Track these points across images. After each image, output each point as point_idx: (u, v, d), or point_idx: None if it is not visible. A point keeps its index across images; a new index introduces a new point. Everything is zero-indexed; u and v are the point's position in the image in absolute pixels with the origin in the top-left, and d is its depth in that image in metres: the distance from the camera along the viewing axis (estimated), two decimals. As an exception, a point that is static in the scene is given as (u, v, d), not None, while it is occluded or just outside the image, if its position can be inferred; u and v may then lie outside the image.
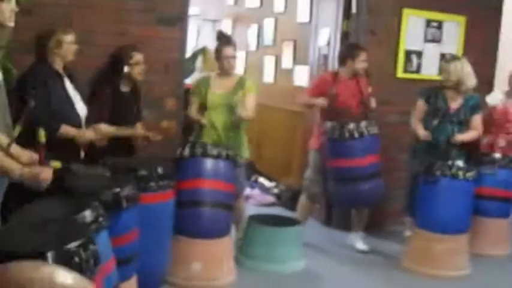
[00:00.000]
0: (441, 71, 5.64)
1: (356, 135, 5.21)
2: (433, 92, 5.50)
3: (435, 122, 5.38)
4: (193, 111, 5.21)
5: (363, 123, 5.26)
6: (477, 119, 5.46)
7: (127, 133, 4.67)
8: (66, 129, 4.01)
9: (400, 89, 6.22)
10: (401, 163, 6.03)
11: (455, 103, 5.42)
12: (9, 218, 2.99)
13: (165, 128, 4.95)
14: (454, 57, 5.55)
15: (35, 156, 3.19)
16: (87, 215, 2.94)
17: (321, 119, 5.52)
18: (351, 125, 5.23)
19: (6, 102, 3.48)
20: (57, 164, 3.43)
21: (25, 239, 2.56)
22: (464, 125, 5.41)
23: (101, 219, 3.02)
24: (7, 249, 2.10)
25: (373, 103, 5.52)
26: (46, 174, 2.81)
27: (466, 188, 5.17)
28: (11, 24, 3.20)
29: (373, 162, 5.35)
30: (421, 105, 5.52)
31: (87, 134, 4.14)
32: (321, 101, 5.42)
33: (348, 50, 5.61)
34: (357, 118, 5.33)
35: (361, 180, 5.29)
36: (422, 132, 5.40)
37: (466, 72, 5.36)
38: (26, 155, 3.19)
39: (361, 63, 5.46)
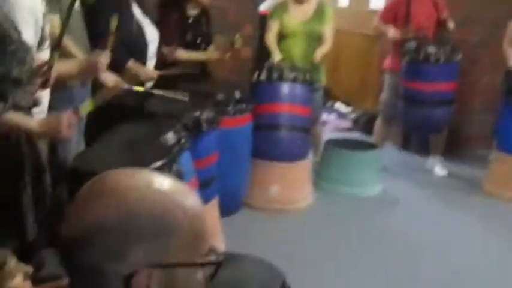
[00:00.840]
0: None
1: (434, 59, 5.11)
2: None
3: None
4: (270, 37, 5.05)
5: (444, 49, 5.13)
6: None
7: (202, 57, 4.66)
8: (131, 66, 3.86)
9: (482, 8, 5.94)
10: (483, 86, 5.86)
11: None
12: (95, 140, 3.10)
13: (238, 49, 4.89)
14: None
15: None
16: (170, 136, 3.03)
17: (398, 40, 5.38)
18: (431, 48, 5.11)
19: (84, 26, 3.55)
20: (140, 88, 3.50)
21: (111, 159, 2.67)
22: None
23: (183, 141, 3.11)
24: (93, 169, 2.20)
25: (451, 24, 5.33)
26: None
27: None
28: None
29: (448, 90, 5.27)
30: None
31: (150, 74, 3.99)
32: (392, 33, 5.28)
33: None
34: (433, 40, 5.18)
35: (432, 106, 5.24)
36: None
37: None
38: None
39: None
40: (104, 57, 2.78)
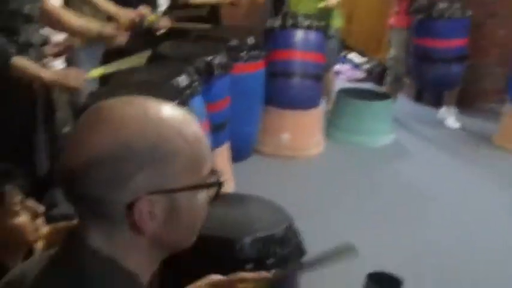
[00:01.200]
0: None
1: (446, 15, 5.09)
2: None
3: None
4: None
5: (455, 5, 5.09)
6: None
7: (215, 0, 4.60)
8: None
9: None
10: (499, 39, 5.80)
11: None
12: (108, 80, 3.12)
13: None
14: None
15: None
16: (182, 79, 3.05)
17: None
18: (442, 5, 5.08)
19: None
20: (153, 17, 3.49)
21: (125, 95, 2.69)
22: None
23: (195, 84, 3.13)
24: None
25: None
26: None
27: None
28: None
29: (460, 46, 5.25)
30: None
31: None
32: None
33: None
34: None
35: (445, 63, 5.21)
36: None
37: None
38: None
39: None
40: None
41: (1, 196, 1.72)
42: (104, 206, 0.97)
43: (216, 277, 1.42)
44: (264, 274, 1.44)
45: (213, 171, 1.04)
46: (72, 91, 2.62)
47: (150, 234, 0.99)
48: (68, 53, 3.26)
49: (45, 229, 1.80)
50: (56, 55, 2.71)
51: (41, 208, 1.79)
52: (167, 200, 0.98)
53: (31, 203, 1.78)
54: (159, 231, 0.99)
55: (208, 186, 1.03)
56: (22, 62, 2.30)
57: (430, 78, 5.44)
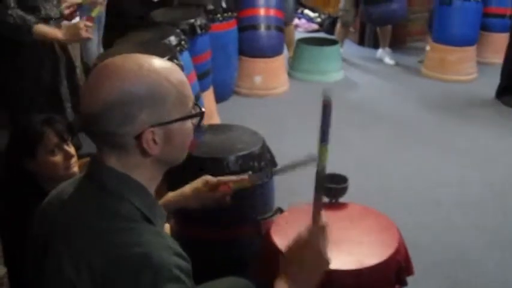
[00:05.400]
0: None
1: None
2: None
3: None
4: None
5: None
6: None
7: None
8: None
9: None
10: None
11: None
12: (112, 44, 3.12)
13: None
14: None
15: None
16: (172, 39, 3.06)
17: None
18: None
19: None
20: None
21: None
22: None
23: (182, 42, 3.13)
24: None
25: None
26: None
27: (475, 8, 4.98)
28: None
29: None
30: None
31: None
32: None
33: None
34: None
35: (388, 2, 5.17)
36: None
37: None
38: None
39: None
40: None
41: (41, 137, 1.75)
42: (116, 138, 1.03)
43: (208, 177, 1.52)
44: (243, 177, 1.56)
45: (195, 105, 1.10)
46: (85, 40, 2.57)
47: (154, 155, 1.06)
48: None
49: (75, 168, 1.81)
50: (70, 17, 2.64)
51: (72, 151, 1.81)
52: (164, 129, 1.05)
53: (66, 146, 1.79)
54: (160, 152, 1.06)
55: (193, 116, 1.10)
56: (41, 28, 2.27)
57: (373, 16, 5.36)
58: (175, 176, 1.41)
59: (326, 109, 1.15)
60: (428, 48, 5.42)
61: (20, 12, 2.20)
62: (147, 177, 1.09)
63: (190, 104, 1.09)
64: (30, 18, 2.21)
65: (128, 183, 1.06)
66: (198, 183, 1.53)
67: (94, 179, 1.08)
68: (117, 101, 1.00)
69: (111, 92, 1.00)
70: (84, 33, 2.34)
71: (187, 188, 1.53)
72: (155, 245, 0.99)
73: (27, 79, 2.36)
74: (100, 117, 1.01)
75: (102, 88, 1.01)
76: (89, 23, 2.38)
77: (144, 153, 1.05)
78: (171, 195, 1.50)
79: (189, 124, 1.10)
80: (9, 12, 2.18)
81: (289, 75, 5.06)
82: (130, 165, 1.06)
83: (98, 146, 1.08)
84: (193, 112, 1.10)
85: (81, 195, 1.09)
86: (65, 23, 2.56)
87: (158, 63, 1.06)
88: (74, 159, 1.81)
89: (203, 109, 1.12)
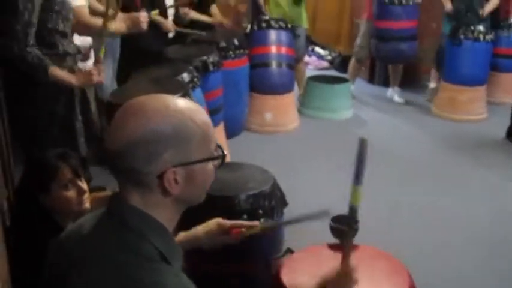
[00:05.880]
0: None
1: (402, 1, 5.13)
2: None
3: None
4: None
5: None
6: None
7: (207, 20, 4.62)
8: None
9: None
10: (432, 30, 5.85)
11: None
12: (126, 80, 3.16)
13: (235, 9, 4.88)
14: None
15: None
16: (185, 76, 3.09)
17: None
18: None
19: None
20: (155, 12, 3.53)
21: (139, 94, 2.72)
22: None
23: (195, 79, 3.16)
24: (127, 101, 2.26)
25: None
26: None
27: (485, 49, 5.03)
28: None
29: (412, 27, 5.29)
30: None
31: (170, 26, 3.94)
32: None
33: None
34: None
35: (401, 40, 5.25)
36: (448, 6, 5.22)
37: None
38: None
39: None
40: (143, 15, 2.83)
41: (56, 172, 1.76)
42: (139, 176, 1.04)
43: (221, 220, 1.52)
44: (255, 223, 1.58)
45: (218, 146, 1.12)
46: (99, 84, 2.63)
47: (174, 195, 1.06)
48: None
49: (87, 204, 1.82)
50: (86, 58, 2.71)
51: (85, 187, 1.82)
52: (186, 170, 1.05)
53: (80, 181, 1.81)
54: (181, 192, 1.06)
55: (215, 158, 1.11)
56: (57, 71, 2.31)
57: (384, 53, 5.43)
58: (185, 213, 1.41)
59: (362, 152, 1.17)
60: (431, 85, 5.48)
61: (38, 52, 2.24)
62: (167, 216, 1.09)
63: (213, 145, 1.10)
64: (46, 59, 2.25)
65: (149, 222, 1.06)
66: (210, 225, 1.53)
67: (115, 216, 1.08)
68: (142, 139, 1.01)
69: (136, 129, 1.02)
70: (96, 78, 2.39)
71: (199, 230, 1.53)
72: (172, 286, 1.00)
73: (42, 113, 2.39)
74: (125, 154, 1.02)
75: (128, 125, 1.03)
76: (100, 67, 2.42)
77: (165, 192, 1.06)
78: (183, 235, 1.50)
79: (211, 166, 1.11)
80: (28, 50, 2.22)
81: (300, 112, 5.09)
82: (151, 204, 1.07)
83: (120, 183, 1.09)
84: (216, 154, 1.11)
85: (101, 230, 1.09)
86: (79, 65, 2.61)
87: (183, 103, 1.08)
88: (87, 195, 1.82)
89: (225, 152, 1.13)
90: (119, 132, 1.04)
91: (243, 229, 1.54)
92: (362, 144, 1.16)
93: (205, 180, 1.12)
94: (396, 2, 5.13)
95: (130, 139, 1.02)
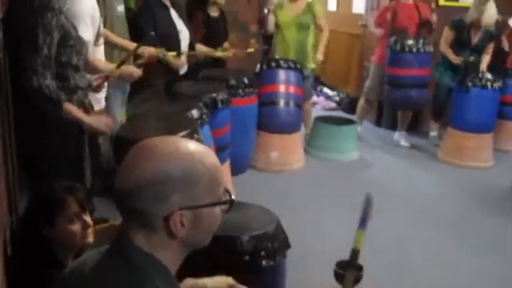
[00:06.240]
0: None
1: (413, 50, 5.19)
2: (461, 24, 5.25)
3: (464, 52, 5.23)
4: (271, 25, 5.27)
5: (421, 41, 5.20)
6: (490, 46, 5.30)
7: (219, 55, 4.67)
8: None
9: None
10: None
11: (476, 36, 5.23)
12: (134, 115, 3.18)
13: (249, 50, 4.99)
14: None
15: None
16: (194, 113, 3.10)
17: (383, 37, 5.44)
18: (410, 41, 5.20)
19: (127, 27, 3.60)
20: (173, 53, 3.62)
21: (148, 129, 2.72)
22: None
23: (204, 116, 3.18)
24: (134, 137, 2.26)
25: (434, 25, 5.39)
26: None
27: (493, 96, 5.05)
28: None
29: (424, 75, 5.34)
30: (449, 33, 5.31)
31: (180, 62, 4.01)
32: (379, 32, 5.46)
33: None
34: (413, 35, 5.28)
35: (412, 87, 5.29)
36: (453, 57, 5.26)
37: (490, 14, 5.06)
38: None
39: None
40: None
41: (63, 205, 1.75)
42: (146, 216, 1.04)
43: (232, 281, 1.48)
44: None
45: (226, 191, 1.11)
46: (101, 135, 2.65)
47: (180, 238, 1.06)
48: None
49: (91, 238, 1.81)
50: (97, 89, 2.74)
51: (90, 221, 1.81)
52: (193, 213, 1.05)
53: (85, 215, 1.80)
54: (186, 235, 1.06)
55: (223, 203, 1.10)
56: (70, 107, 2.34)
57: (400, 100, 5.46)
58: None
59: (367, 208, 1.18)
60: (432, 134, 5.54)
61: (55, 86, 2.26)
62: (171, 259, 1.09)
63: (221, 189, 1.10)
64: (62, 94, 2.28)
65: (153, 263, 1.06)
66: (220, 282, 1.49)
67: (119, 256, 1.08)
68: (151, 180, 1.02)
69: (146, 170, 1.03)
70: (104, 129, 2.45)
71: (208, 283, 1.49)
72: None
73: (52, 146, 2.39)
74: (133, 194, 1.03)
75: (138, 165, 1.04)
76: (111, 121, 2.49)
77: (171, 234, 1.06)
78: (190, 282, 1.47)
79: (218, 210, 1.11)
80: (47, 83, 2.24)
81: (306, 151, 5.09)
82: (156, 246, 1.07)
83: (126, 222, 1.09)
84: (224, 199, 1.10)
85: (104, 269, 1.09)
86: (96, 110, 2.65)
87: (193, 146, 1.08)
88: (91, 229, 1.81)
89: (233, 197, 1.12)
90: (128, 171, 1.05)
91: None
92: (368, 201, 1.17)
93: (211, 224, 1.11)
94: (407, 49, 5.18)
95: (140, 180, 1.03)
